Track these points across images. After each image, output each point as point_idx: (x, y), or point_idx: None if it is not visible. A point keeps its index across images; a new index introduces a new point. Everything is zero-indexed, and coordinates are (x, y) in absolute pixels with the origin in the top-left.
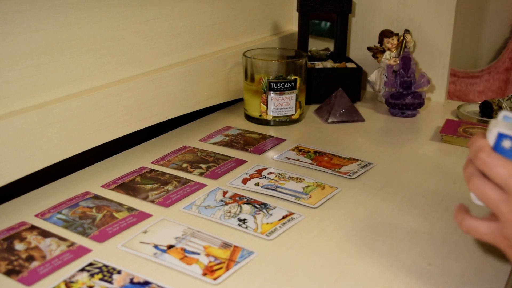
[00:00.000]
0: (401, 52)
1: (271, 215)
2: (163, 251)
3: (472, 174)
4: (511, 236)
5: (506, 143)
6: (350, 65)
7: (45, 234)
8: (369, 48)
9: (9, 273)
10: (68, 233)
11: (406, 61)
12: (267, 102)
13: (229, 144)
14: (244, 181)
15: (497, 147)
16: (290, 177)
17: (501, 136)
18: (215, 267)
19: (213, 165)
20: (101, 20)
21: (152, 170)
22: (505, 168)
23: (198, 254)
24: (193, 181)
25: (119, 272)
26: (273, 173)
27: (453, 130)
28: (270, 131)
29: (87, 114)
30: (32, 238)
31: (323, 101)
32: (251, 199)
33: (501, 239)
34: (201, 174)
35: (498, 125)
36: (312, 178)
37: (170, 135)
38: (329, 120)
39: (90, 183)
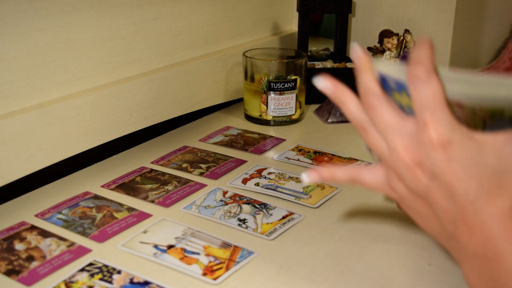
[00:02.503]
0: (401, 52)
1: (271, 215)
2: (163, 251)
3: (365, 120)
4: (396, 187)
5: (391, 82)
6: (350, 65)
7: (45, 234)
8: (369, 48)
9: (9, 273)
10: (68, 233)
11: (406, 61)
12: (267, 102)
13: (229, 144)
14: (244, 181)
15: (385, 85)
16: (290, 177)
17: (383, 78)
18: (215, 267)
19: (213, 165)
20: (101, 20)
21: (152, 170)
22: (386, 116)
23: (198, 254)
24: (193, 181)
25: (119, 272)
26: (273, 173)
27: None
28: (270, 131)
29: (87, 114)
30: (32, 238)
31: (323, 101)
32: (251, 199)
33: (388, 189)
34: (201, 174)
35: (378, 66)
36: None
37: (170, 135)
38: (329, 120)
39: (90, 183)
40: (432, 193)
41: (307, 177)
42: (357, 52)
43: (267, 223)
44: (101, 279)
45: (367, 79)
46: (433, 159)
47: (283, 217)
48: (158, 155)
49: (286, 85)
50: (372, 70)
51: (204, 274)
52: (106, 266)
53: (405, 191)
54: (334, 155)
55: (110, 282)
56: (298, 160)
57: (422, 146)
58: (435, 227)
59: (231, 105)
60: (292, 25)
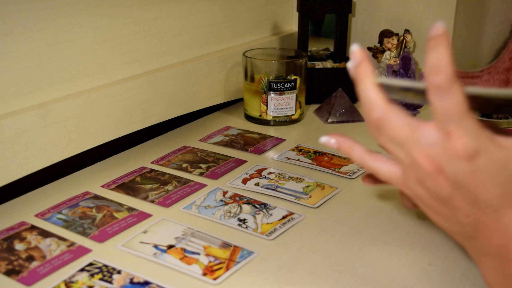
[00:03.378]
0: (401, 52)
1: (271, 215)
2: (163, 251)
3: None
4: (414, 188)
5: (394, 88)
6: None
7: (45, 234)
8: (369, 48)
9: (9, 273)
10: (68, 233)
11: (406, 61)
12: (267, 102)
13: (229, 144)
14: (244, 181)
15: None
16: (290, 177)
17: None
18: (215, 267)
19: (213, 165)
20: (101, 20)
21: (152, 170)
22: (399, 131)
23: (198, 254)
24: (193, 181)
25: (119, 272)
26: (273, 173)
27: None
28: (270, 131)
29: (87, 114)
30: (32, 238)
31: (323, 101)
32: (251, 199)
33: (403, 187)
34: (201, 174)
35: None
36: (312, 178)
37: (170, 135)
38: (329, 120)
39: (90, 183)
40: (454, 199)
41: (325, 139)
42: (356, 58)
43: (267, 223)
44: (101, 279)
45: (367, 90)
46: (458, 169)
47: (283, 217)
48: (158, 155)
49: (286, 85)
50: (371, 76)
51: (204, 274)
52: (106, 266)
53: (423, 193)
54: (334, 155)
55: (110, 282)
56: (298, 160)
57: (445, 154)
58: (454, 227)
59: (231, 105)
60: (292, 25)
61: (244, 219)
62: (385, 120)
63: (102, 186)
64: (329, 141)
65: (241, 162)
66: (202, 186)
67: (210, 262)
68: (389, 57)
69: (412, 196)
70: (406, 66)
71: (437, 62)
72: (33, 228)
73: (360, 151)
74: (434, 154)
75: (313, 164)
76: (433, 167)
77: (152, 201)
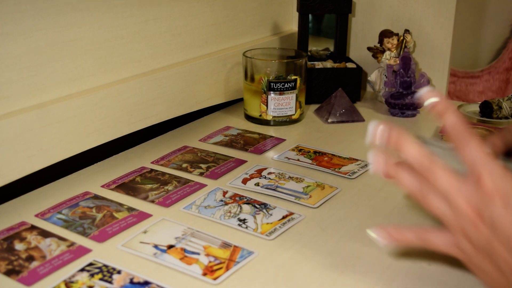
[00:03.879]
0: (401, 52)
1: (271, 215)
2: (163, 251)
3: (422, 187)
4: (464, 247)
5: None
6: (350, 65)
7: (45, 234)
8: (369, 48)
9: (9, 273)
10: (68, 233)
11: (406, 61)
12: (267, 102)
13: (229, 144)
14: (244, 181)
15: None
16: (290, 177)
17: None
18: (215, 267)
19: (213, 165)
20: (101, 20)
21: (152, 170)
22: (445, 178)
23: (198, 254)
24: (193, 181)
25: (119, 272)
26: (273, 173)
27: None
28: (270, 131)
29: (87, 114)
30: (32, 238)
31: (323, 101)
32: (251, 199)
33: (457, 250)
34: (201, 174)
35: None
36: (312, 178)
37: (170, 135)
38: (329, 120)
39: (90, 183)
40: (493, 245)
41: (376, 235)
42: (393, 132)
43: (267, 223)
44: (101, 279)
45: (413, 149)
46: (492, 209)
47: (283, 217)
48: (158, 155)
49: (286, 85)
50: (413, 139)
51: (204, 274)
52: (106, 266)
53: (471, 249)
54: (334, 155)
55: (110, 282)
56: (298, 160)
57: (481, 198)
58: (501, 283)
59: (231, 105)
60: (292, 25)
61: (244, 219)
62: (434, 169)
63: (102, 186)
64: (378, 235)
65: (241, 162)
66: (202, 186)
67: (210, 262)
68: (389, 57)
69: (466, 259)
70: (406, 66)
71: (453, 122)
72: (33, 228)
73: (412, 231)
74: (473, 200)
75: (313, 164)
76: (473, 213)
77: (152, 201)
